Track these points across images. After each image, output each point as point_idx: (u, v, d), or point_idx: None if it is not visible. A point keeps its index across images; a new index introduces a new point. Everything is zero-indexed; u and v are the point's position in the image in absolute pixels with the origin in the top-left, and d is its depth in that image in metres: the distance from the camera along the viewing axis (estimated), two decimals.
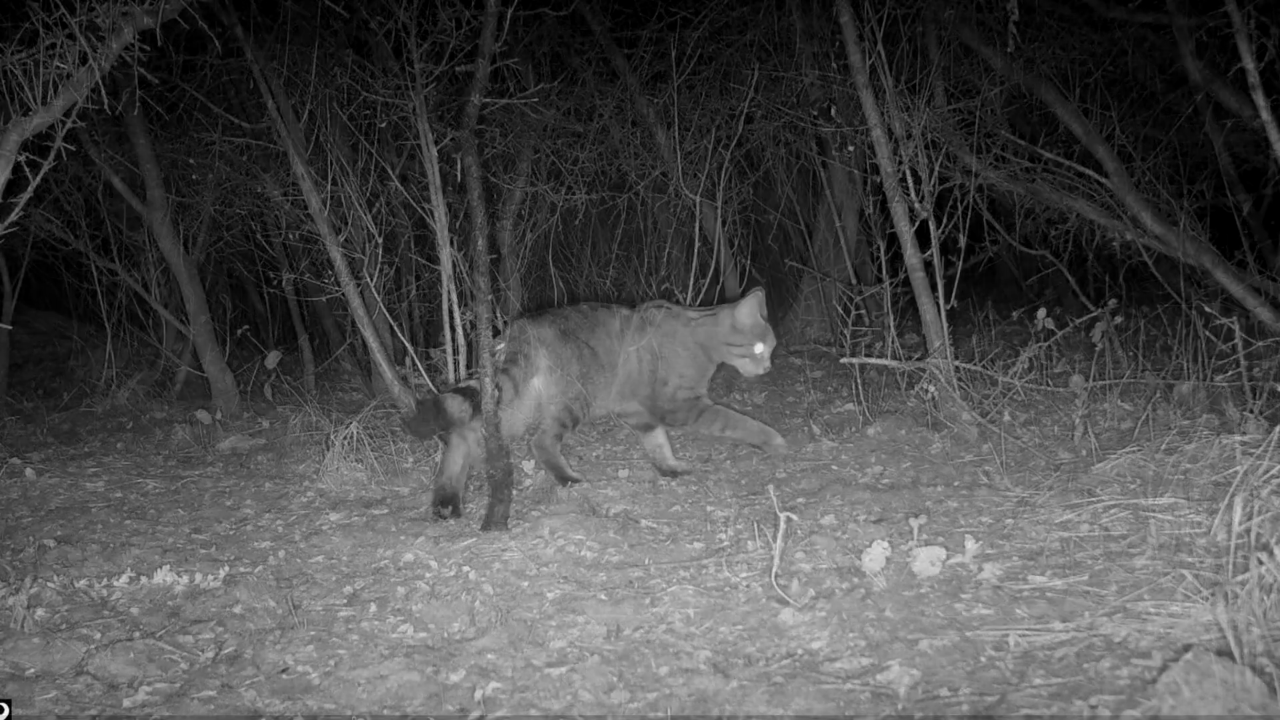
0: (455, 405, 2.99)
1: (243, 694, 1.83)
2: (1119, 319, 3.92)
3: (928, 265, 3.60)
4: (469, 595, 2.25)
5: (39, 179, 2.65)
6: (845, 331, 4.06)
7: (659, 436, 3.44)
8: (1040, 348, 3.67)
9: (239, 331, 5.96)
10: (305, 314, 6.24)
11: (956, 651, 1.79)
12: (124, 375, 5.59)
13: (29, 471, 3.69)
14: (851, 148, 5.52)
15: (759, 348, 3.27)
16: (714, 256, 4.65)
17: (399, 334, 4.46)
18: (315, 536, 2.82)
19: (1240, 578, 1.79)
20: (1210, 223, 4.43)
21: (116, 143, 5.04)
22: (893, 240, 3.69)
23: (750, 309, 3.25)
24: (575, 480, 3.21)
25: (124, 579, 2.46)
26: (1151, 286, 4.99)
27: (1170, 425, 3.15)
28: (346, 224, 4.39)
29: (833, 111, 4.94)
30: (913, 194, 3.58)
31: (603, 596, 2.21)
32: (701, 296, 4.51)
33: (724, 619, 2.04)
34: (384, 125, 4.50)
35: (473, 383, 3.20)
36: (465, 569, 2.42)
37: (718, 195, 4.73)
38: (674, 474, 3.32)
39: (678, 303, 3.76)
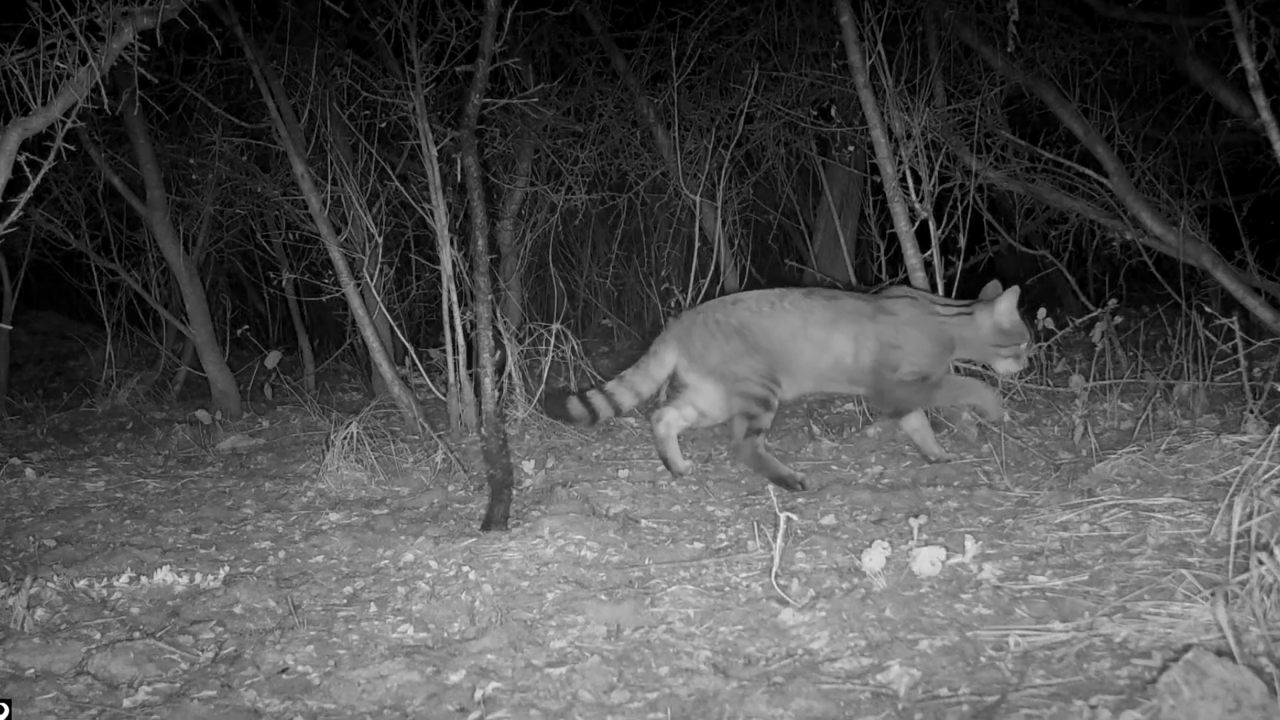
0: (575, 407, 3.32)
1: (243, 694, 1.83)
2: (1119, 319, 3.91)
3: (928, 265, 3.61)
4: (469, 595, 2.25)
5: (39, 179, 2.65)
6: None
7: (914, 420, 3.28)
8: (1039, 348, 3.67)
9: (239, 331, 5.96)
10: (305, 314, 6.23)
11: (956, 651, 1.79)
12: (124, 375, 5.58)
13: (29, 471, 3.69)
14: (851, 148, 5.52)
15: (1023, 346, 3.15)
16: (714, 256, 4.65)
17: (399, 334, 4.46)
18: (315, 536, 2.82)
19: (1240, 578, 1.79)
20: (1210, 223, 4.43)
21: (116, 143, 5.03)
22: (893, 240, 3.69)
23: (1009, 308, 3.10)
24: (797, 484, 3.03)
25: (124, 579, 2.46)
26: (1151, 286, 4.99)
27: (1170, 425, 3.15)
28: (346, 224, 4.39)
29: (833, 111, 4.93)
30: (913, 194, 3.58)
31: (603, 596, 2.21)
32: (702, 296, 4.51)
33: (724, 619, 2.04)
34: (384, 125, 4.51)
35: (593, 394, 3.34)
36: (465, 569, 2.42)
37: (718, 195, 4.73)
38: (941, 461, 3.17)
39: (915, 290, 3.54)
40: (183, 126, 5.32)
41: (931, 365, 3.14)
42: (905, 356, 3.11)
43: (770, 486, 3.03)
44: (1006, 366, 3.20)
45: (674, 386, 3.44)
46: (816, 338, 3.16)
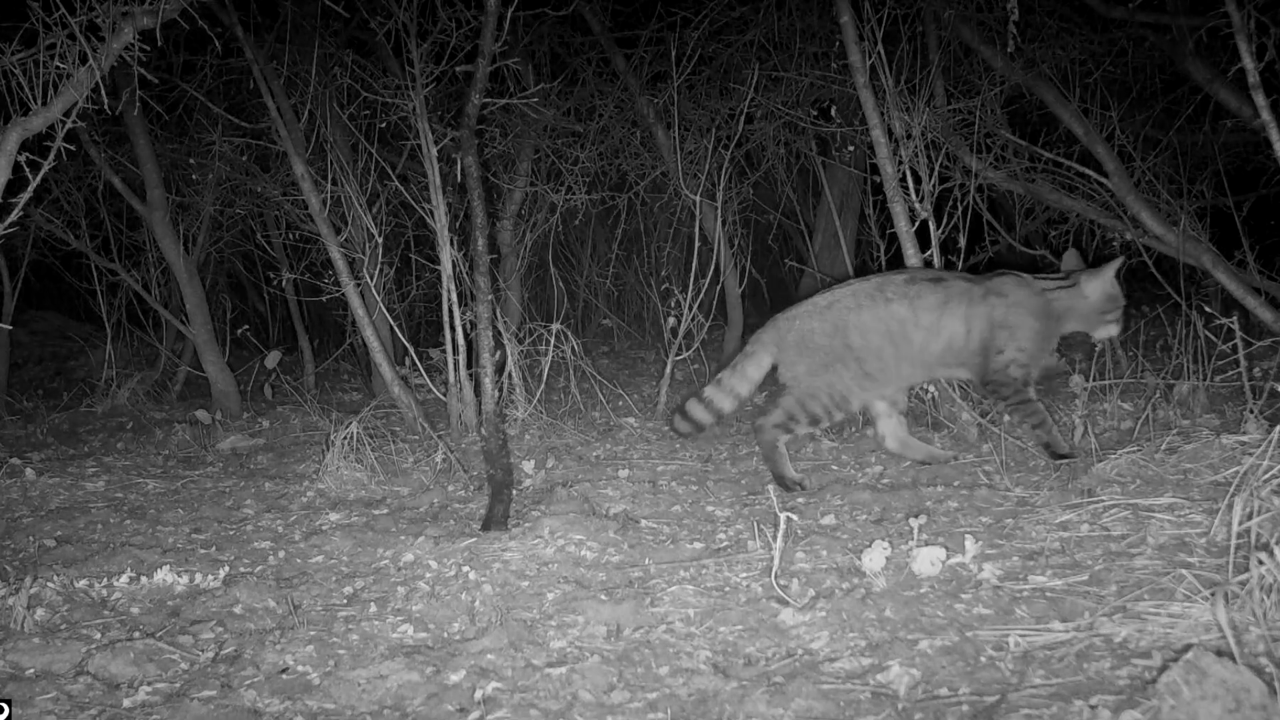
0: (680, 424, 3.46)
1: (243, 694, 1.83)
2: None
3: (928, 265, 3.60)
4: (469, 595, 2.25)
5: (39, 179, 2.65)
6: None
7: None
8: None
9: (239, 331, 5.97)
10: (305, 314, 6.23)
11: (956, 651, 1.79)
12: (124, 375, 5.58)
13: (29, 471, 3.69)
14: (851, 148, 5.52)
15: (1120, 310, 3.21)
16: (714, 256, 4.65)
17: (399, 334, 4.46)
18: (315, 536, 2.82)
19: (1240, 578, 1.79)
20: (1210, 223, 4.43)
21: (116, 143, 5.04)
22: (893, 240, 3.69)
23: (1111, 276, 3.14)
24: (796, 485, 3.06)
25: (124, 579, 2.46)
26: (1151, 286, 4.99)
27: (1170, 425, 3.15)
28: (346, 224, 4.39)
29: (833, 111, 4.93)
30: (913, 194, 3.58)
31: (603, 596, 2.21)
32: (701, 296, 4.51)
33: (724, 619, 2.04)
34: (384, 125, 4.51)
35: (692, 404, 3.39)
36: (465, 569, 2.42)
37: (718, 195, 4.73)
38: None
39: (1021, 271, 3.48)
40: (183, 126, 5.32)
41: (1037, 345, 3.13)
42: (1012, 337, 3.09)
43: (770, 485, 3.03)
44: (1109, 331, 3.22)
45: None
46: (927, 323, 3.11)
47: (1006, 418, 3.45)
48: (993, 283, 3.15)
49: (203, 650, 2.06)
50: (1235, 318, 3.25)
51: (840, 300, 3.19)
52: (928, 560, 2.16)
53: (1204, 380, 3.48)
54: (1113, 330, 3.22)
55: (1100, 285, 3.12)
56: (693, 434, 3.58)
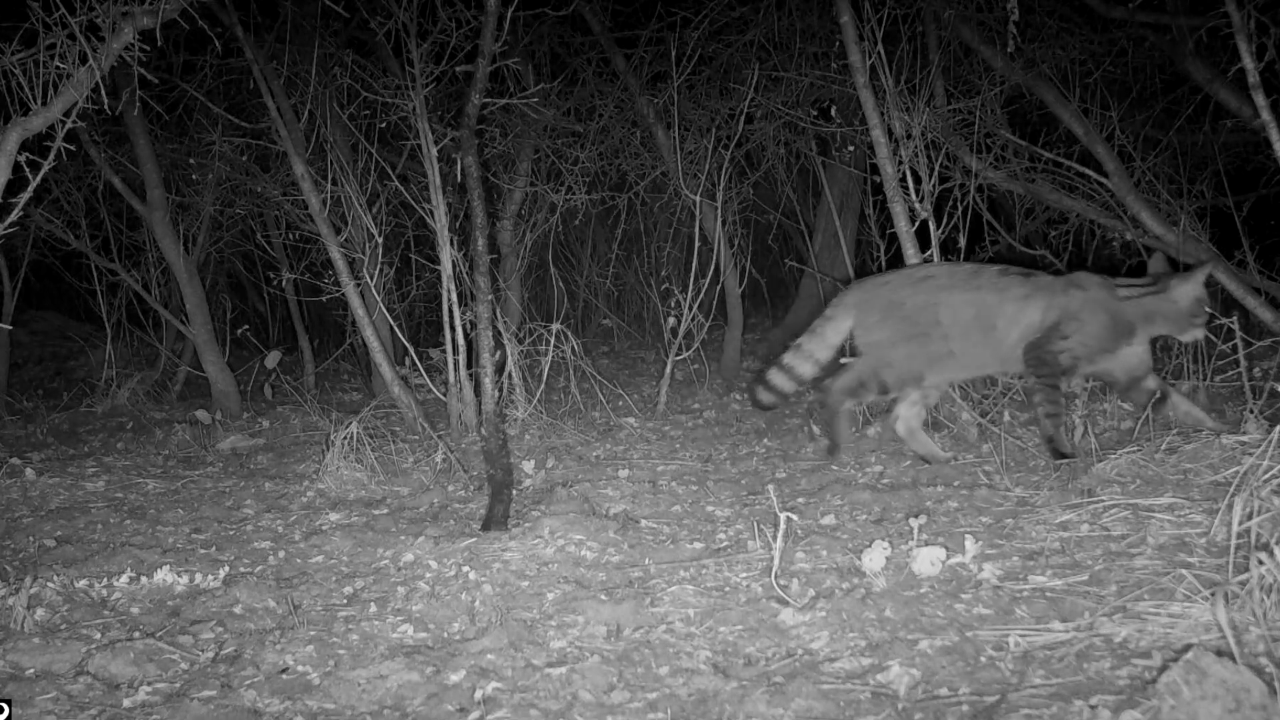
0: (763, 396, 3.41)
1: (243, 694, 1.83)
2: None
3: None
4: (469, 595, 2.25)
5: (39, 179, 2.65)
6: None
7: (1151, 382, 3.22)
8: None
9: (239, 331, 5.97)
10: (305, 314, 6.23)
11: (956, 651, 1.79)
12: (124, 375, 5.58)
13: (29, 471, 3.69)
14: (851, 148, 5.52)
15: (1205, 315, 3.20)
16: (714, 256, 4.65)
17: (399, 334, 4.46)
18: (315, 536, 2.82)
19: (1240, 578, 1.79)
20: (1210, 223, 4.43)
21: (116, 143, 5.04)
22: (893, 240, 3.69)
23: (1201, 282, 3.15)
24: (835, 449, 3.15)
25: (124, 579, 2.46)
26: None
27: (1170, 425, 3.15)
28: (346, 224, 4.39)
29: (833, 111, 4.93)
30: (913, 194, 3.58)
31: (603, 596, 2.21)
32: (701, 296, 4.52)
33: (724, 619, 2.04)
34: (384, 125, 4.51)
35: (772, 374, 3.37)
36: (465, 569, 2.42)
37: (718, 195, 4.73)
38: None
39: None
40: (183, 126, 5.32)
41: (1099, 343, 3.15)
42: (1080, 329, 3.12)
43: (770, 486, 3.03)
44: (1196, 334, 3.22)
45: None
46: (1010, 312, 3.15)
47: (1008, 417, 3.45)
48: (1075, 277, 3.20)
49: (203, 650, 2.06)
50: (1235, 318, 3.25)
51: (935, 276, 3.22)
52: (928, 560, 2.16)
53: (1204, 380, 3.48)
54: (1199, 334, 3.22)
55: (1190, 291, 3.14)
56: (777, 405, 3.53)
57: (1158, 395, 3.17)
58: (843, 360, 3.39)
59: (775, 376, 3.39)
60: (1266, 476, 2.08)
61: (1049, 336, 3.13)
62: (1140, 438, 3.08)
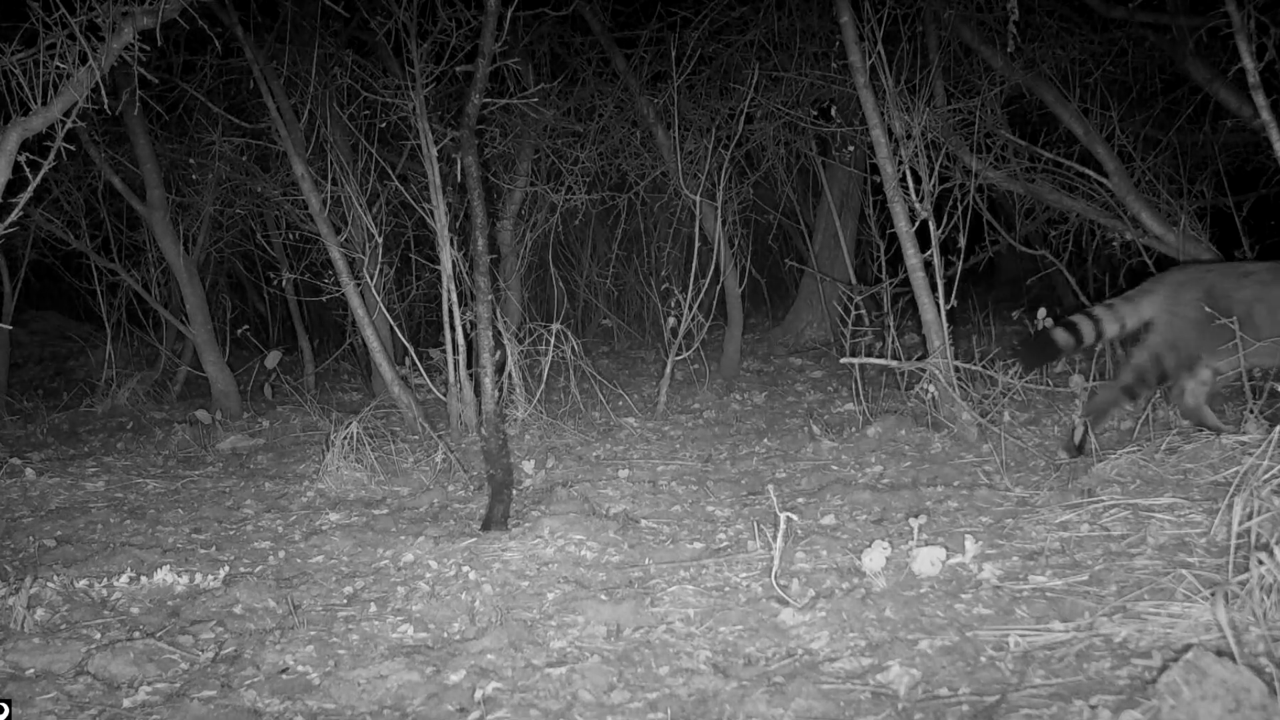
0: (1061, 336, 3.28)
1: (243, 694, 1.83)
2: None
3: (927, 265, 3.60)
4: (469, 595, 2.25)
5: (39, 179, 2.65)
6: (845, 332, 4.06)
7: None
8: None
9: (239, 331, 5.96)
10: (305, 314, 6.23)
11: (956, 651, 1.79)
12: (124, 375, 5.59)
13: (29, 471, 3.69)
14: (851, 148, 5.52)
15: None
16: (714, 256, 4.65)
17: (399, 334, 4.46)
18: (315, 536, 2.82)
19: (1240, 578, 1.79)
20: (1210, 223, 4.43)
21: (116, 143, 5.04)
22: (893, 240, 3.69)
23: None
24: (1220, 429, 3.03)
25: (124, 579, 2.46)
26: None
27: (1170, 425, 3.15)
28: (346, 224, 4.39)
29: (833, 111, 4.93)
30: (913, 194, 3.58)
31: (603, 596, 2.21)
32: (701, 296, 4.51)
33: (724, 619, 2.04)
34: (384, 125, 4.51)
35: (1079, 318, 3.28)
36: (465, 569, 2.42)
37: (718, 195, 4.73)
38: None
39: None
40: (183, 126, 5.32)
41: None
42: None
43: (770, 486, 3.03)
44: None
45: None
46: None
47: (1008, 417, 3.44)
48: None
49: (203, 650, 2.06)
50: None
51: (1257, 273, 3.14)
52: (928, 560, 2.16)
53: None
54: None
55: None
56: (1069, 349, 3.39)
57: None
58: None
59: (1083, 322, 3.29)
60: (1266, 476, 2.08)
61: None
62: (1140, 438, 3.07)
